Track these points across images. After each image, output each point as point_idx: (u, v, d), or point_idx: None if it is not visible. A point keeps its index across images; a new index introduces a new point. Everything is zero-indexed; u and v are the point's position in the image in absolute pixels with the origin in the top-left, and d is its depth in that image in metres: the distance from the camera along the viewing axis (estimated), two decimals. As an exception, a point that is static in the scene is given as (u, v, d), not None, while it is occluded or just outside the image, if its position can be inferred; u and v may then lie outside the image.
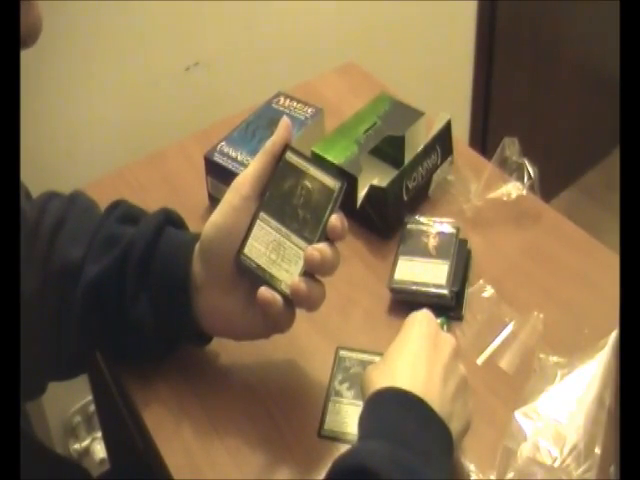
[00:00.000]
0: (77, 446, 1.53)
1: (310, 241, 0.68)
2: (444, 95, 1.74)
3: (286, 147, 0.70)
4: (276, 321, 0.70)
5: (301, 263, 0.68)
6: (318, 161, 0.70)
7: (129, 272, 0.72)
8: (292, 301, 0.69)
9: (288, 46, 1.41)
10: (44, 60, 1.12)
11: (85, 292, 0.72)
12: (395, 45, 1.60)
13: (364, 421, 0.64)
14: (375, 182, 0.92)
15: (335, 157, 0.93)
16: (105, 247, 0.73)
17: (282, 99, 1.03)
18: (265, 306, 0.68)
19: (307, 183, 0.69)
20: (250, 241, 0.70)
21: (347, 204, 0.93)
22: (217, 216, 0.70)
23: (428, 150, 0.95)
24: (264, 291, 0.68)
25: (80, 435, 1.52)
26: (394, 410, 0.63)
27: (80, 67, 1.19)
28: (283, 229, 0.69)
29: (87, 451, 1.54)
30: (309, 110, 1.01)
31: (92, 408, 1.47)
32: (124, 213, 0.76)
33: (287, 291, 0.68)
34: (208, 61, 1.32)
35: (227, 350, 0.81)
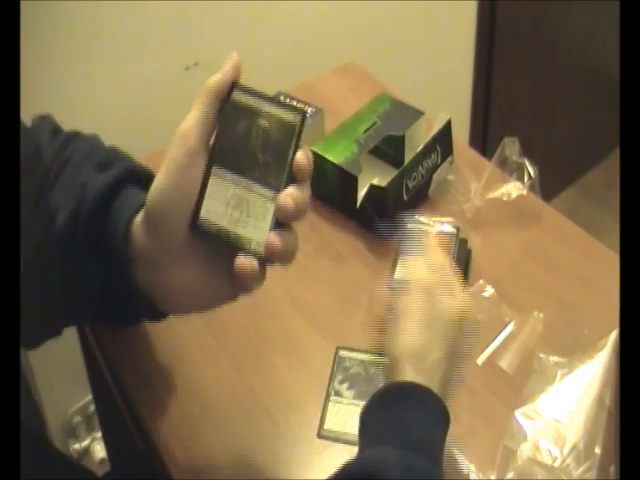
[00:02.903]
0: (77, 446, 1.53)
1: (276, 188, 0.60)
2: (444, 95, 1.74)
3: (233, 86, 0.61)
4: (247, 283, 0.62)
5: (270, 215, 0.60)
6: (272, 96, 0.62)
7: (79, 229, 0.66)
8: (265, 259, 0.60)
9: (288, 46, 1.41)
10: (44, 60, 1.12)
11: (54, 240, 0.67)
12: (395, 45, 1.60)
13: (368, 425, 0.62)
14: (375, 182, 0.91)
15: (335, 157, 0.93)
16: (73, 195, 0.67)
17: (282, 99, 1.03)
18: (243, 275, 0.60)
19: (263, 122, 0.60)
20: (206, 202, 0.61)
21: (347, 204, 0.94)
22: (162, 178, 0.60)
23: (428, 150, 0.95)
24: (242, 260, 0.60)
25: (80, 435, 1.52)
26: (397, 409, 0.61)
27: (80, 67, 1.19)
28: (242, 180, 0.61)
29: (87, 451, 1.54)
30: (309, 110, 1.01)
31: (92, 408, 1.47)
32: (104, 159, 0.71)
33: (259, 249, 0.60)
34: (208, 61, 1.32)
35: (227, 350, 0.81)
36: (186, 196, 0.61)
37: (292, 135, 0.60)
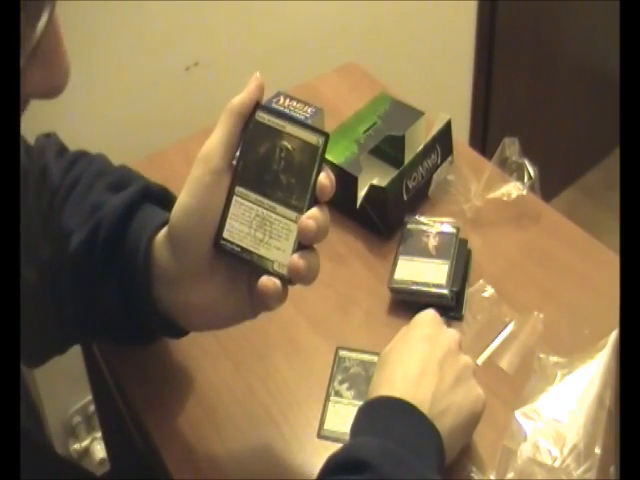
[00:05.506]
0: (77, 446, 1.53)
1: (299, 209, 0.60)
2: (444, 95, 1.74)
3: (256, 106, 0.61)
4: (269, 303, 0.63)
5: (293, 236, 0.60)
6: (295, 117, 0.62)
7: (97, 250, 0.66)
8: (287, 280, 0.61)
9: (288, 46, 1.41)
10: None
11: (69, 263, 0.67)
12: (395, 45, 1.60)
13: (353, 426, 0.65)
14: (375, 182, 0.92)
15: (335, 157, 0.93)
16: (87, 216, 0.68)
17: (282, 99, 1.03)
18: (266, 296, 0.61)
19: (286, 143, 0.61)
20: (229, 222, 0.62)
21: (347, 204, 0.94)
22: (186, 197, 0.61)
23: (428, 150, 0.95)
24: (266, 281, 0.60)
25: (80, 435, 1.52)
26: (382, 413, 0.64)
27: (80, 67, 1.19)
28: (265, 201, 0.61)
29: (87, 451, 1.54)
30: (309, 110, 1.01)
31: (92, 408, 1.47)
32: (117, 180, 0.71)
33: (282, 271, 0.61)
34: (208, 61, 1.32)
35: (228, 350, 0.81)
36: (209, 215, 0.61)
37: (315, 157, 0.60)
